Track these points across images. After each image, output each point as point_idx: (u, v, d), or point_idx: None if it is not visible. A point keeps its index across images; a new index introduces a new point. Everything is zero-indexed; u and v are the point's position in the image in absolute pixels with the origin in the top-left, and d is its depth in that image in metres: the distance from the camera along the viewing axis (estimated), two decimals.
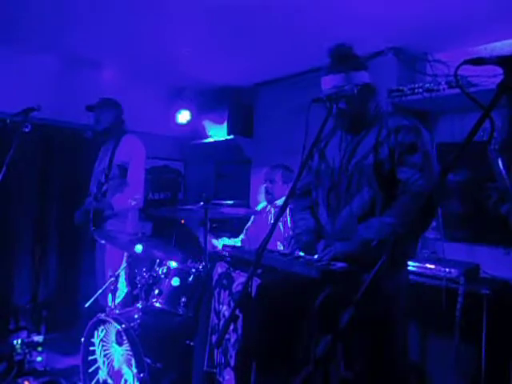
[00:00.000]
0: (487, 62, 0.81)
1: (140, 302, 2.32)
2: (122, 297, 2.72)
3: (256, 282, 1.40)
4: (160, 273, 2.33)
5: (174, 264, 2.32)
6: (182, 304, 2.21)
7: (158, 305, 2.28)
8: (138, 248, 2.35)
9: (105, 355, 2.25)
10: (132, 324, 2.14)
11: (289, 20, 2.66)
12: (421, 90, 2.57)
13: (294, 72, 3.68)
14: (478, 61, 0.81)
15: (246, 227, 3.16)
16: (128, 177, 2.79)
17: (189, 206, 2.63)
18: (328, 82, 1.56)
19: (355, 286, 0.82)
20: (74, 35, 3.02)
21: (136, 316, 2.20)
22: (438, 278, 2.16)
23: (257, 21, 2.70)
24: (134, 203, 2.77)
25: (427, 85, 2.55)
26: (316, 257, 1.49)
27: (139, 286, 2.34)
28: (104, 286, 2.45)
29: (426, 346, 2.28)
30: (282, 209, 1.40)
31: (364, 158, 1.53)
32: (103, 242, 2.34)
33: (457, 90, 2.35)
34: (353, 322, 0.78)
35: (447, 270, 2.16)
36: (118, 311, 2.29)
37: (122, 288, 2.73)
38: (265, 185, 2.93)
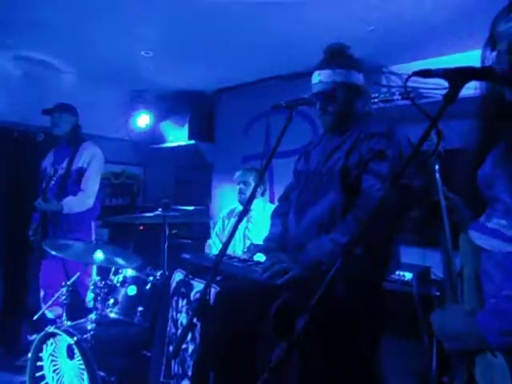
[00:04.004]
0: (433, 74, 0.84)
1: (94, 313, 2.21)
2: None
3: (215, 289, 1.38)
4: (115, 282, 2.23)
5: (130, 272, 2.24)
6: (138, 313, 2.14)
7: (113, 315, 2.19)
8: (98, 256, 2.25)
9: (54, 370, 2.12)
10: (85, 336, 2.04)
11: (251, 27, 2.68)
12: (376, 100, 2.67)
13: (255, 79, 3.72)
14: (425, 73, 0.85)
15: (216, 231, 3.17)
16: (83, 182, 2.78)
17: (147, 212, 2.56)
18: (315, 77, 1.54)
19: (313, 292, 0.82)
20: (28, 35, 2.88)
21: (89, 327, 2.10)
22: (392, 281, 2.23)
23: (219, 27, 2.70)
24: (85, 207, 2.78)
25: (382, 95, 2.67)
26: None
27: (93, 295, 2.23)
28: (54, 298, 2.32)
29: (381, 348, 2.35)
30: (242, 214, 1.39)
31: (336, 162, 1.47)
32: (54, 253, 2.21)
33: (410, 101, 2.46)
34: (308, 328, 0.78)
35: (401, 273, 2.24)
36: (69, 323, 2.18)
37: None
38: (239, 186, 3.02)
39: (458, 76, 0.82)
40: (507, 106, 0.90)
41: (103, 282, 2.23)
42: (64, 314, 2.26)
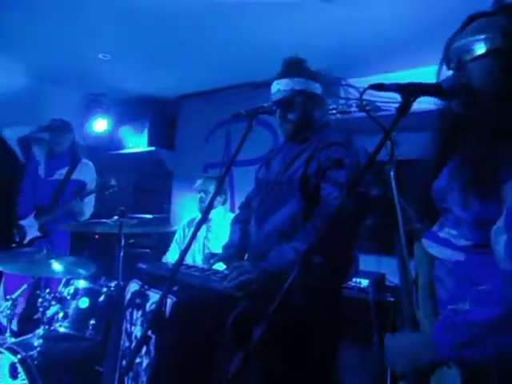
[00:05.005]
0: (387, 88, 0.88)
1: (41, 328, 2.07)
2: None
3: (171, 299, 1.33)
4: (66, 294, 2.11)
5: (82, 283, 2.13)
6: (90, 327, 2.03)
7: (62, 329, 2.07)
8: (58, 268, 2.10)
9: None
10: (30, 353, 1.90)
11: (215, 35, 2.68)
12: (335, 112, 2.75)
13: (218, 87, 3.71)
14: (380, 87, 0.88)
15: (176, 239, 3.10)
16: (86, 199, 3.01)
17: (103, 220, 2.46)
18: (273, 87, 1.57)
19: (271, 301, 0.81)
20: None
21: (36, 343, 1.97)
22: (349, 288, 2.28)
23: (181, 32, 2.67)
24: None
25: (340, 107, 2.75)
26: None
27: (41, 309, 2.09)
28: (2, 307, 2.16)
29: (338, 354, 2.38)
30: (200, 223, 1.37)
31: (296, 171, 1.49)
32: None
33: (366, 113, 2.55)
34: (266, 337, 0.77)
35: (357, 280, 2.30)
36: (13, 339, 2.03)
37: None
38: (199, 195, 2.99)
39: (409, 90, 0.86)
40: (460, 120, 0.94)
41: (52, 295, 2.11)
42: (8, 330, 2.10)
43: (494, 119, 0.85)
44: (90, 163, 3.19)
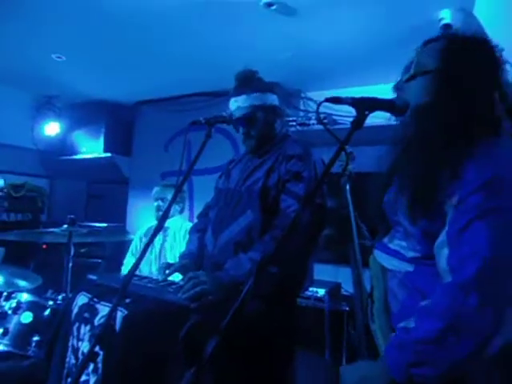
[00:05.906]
0: (343, 101, 0.90)
1: None
2: None
3: (122, 312, 1.27)
4: (7, 308, 1.96)
5: (25, 297, 1.98)
6: (33, 344, 1.89)
7: (1, 347, 1.91)
8: None
9: None
10: None
11: (176, 40, 2.64)
12: (294, 124, 2.80)
13: (176, 94, 3.66)
14: (336, 100, 0.91)
15: (131, 250, 2.98)
16: None
17: (52, 229, 2.32)
18: (232, 104, 1.56)
19: (226, 313, 0.79)
20: None
21: None
22: (306, 297, 2.30)
23: (142, 35, 2.61)
24: None
25: (300, 119, 2.80)
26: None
27: None
28: None
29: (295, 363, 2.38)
30: (155, 232, 1.32)
31: (256, 182, 1.50)
32: None
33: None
34: (220, 350, 0.75)
35: (314, 289, 2.32)
36: None
37: None
38: (156, 203, 2.89)
39: (363, 105, 0.89)
40: (405, 135, 0.98)
41: None
42: None
43: (422, 136, 0.89)
44: None
